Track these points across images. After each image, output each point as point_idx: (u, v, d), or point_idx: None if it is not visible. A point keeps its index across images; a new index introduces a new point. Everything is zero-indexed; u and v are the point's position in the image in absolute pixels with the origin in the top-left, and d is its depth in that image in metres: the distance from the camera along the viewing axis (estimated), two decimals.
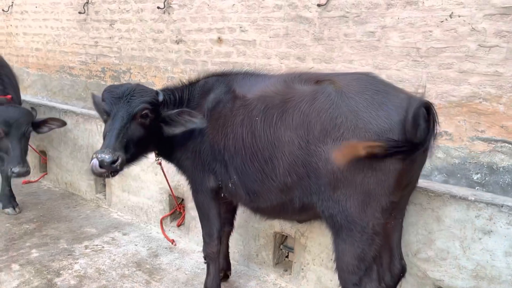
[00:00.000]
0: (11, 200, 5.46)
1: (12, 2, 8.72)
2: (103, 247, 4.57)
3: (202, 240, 3.42)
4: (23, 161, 4.51)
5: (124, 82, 6.74)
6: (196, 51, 5.77)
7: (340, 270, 2.65)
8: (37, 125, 4.87)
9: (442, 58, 3.83)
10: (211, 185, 3.31)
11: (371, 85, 2.58)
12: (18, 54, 8.86)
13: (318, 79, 2.78)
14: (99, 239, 4.74)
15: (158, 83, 6.30)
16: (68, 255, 4.37)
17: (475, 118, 3.71)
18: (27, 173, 4.50)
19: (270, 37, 5.03)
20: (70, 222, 5.17)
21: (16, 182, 6.38)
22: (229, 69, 3.73)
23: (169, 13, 6.03)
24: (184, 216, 4.74)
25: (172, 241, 4.70)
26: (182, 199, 4.80)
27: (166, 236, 4.78)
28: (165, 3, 5.99)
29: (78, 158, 5.85)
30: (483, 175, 3.70)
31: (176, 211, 4.83)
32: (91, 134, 5.67)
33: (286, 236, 4.08)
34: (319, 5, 4.51)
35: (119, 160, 3.03)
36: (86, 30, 7.28)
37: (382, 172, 2.41)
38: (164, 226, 4.89)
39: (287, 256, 4.18)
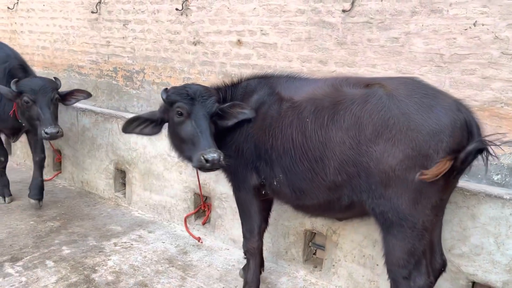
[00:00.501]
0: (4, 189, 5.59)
1: (18, 0, 8.67)
2: (131, 244, 4.66)
3: (228, 238, 3.58)
4: (54, 122, 4.69)
5: (138, 81, 6.82)
6: (214, 52, 5.89)
7: (390, 264, 2.83)
8: (64, 97, 5.05)
9: (465, 64, 4.05)
10: (254, 182, 3.46)
11: (418, 88, 2.76)
12: (23, 52, 8.79)
13: (367, 83, 2.95)
14: (126, 236, 4.83)
15: (173, 83, 6.39)
16: (99, 252, 4.46)
17: (497, 122, 3.94)
18: (59, 134, 4.70)
19: (291, 41, 5.19)
20: (93, 220, 5.23)
21: (30, 181, 6.39)
22: (270, 72, 3.88)
23: (186, 15, 6.13)
24: (209, 215, 4.86)
25: (199, 239, 4.83)
26: (206, 198, 4.92)
27: (191, 234, 4.90)
28: (183, 5, 6.09)
29: (97, 157, 5.91)
30: (503, 176, 3.93)
31: (200, 209, 4.95)
32: (111, 133, 5.73)
33: (315, 233, 4.25)
34: (343, 11, 4.68)
35: (222, 157, 3.28)
36: (98, 30, 7.31)
37: None
38: (188, 224, 5.00)
39: (314, 253, 4.35)
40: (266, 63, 5.43)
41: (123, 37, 6.96)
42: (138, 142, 5.43)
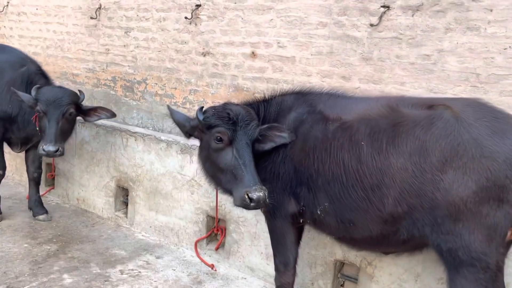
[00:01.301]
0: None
1: (8, 2, 8.20)
2: (139, 272, 4.26)
3: (245, 266, 3.27)
4: (55, 140, 4.35)
5: (139, 92, 6.45)
6: (225, 64, 5.59)
7: None
8: (86, 113, 4.71)
9: (503, 85, 3.85)
10: (291, 209, 3.15)
11: (487, 111, 2.53)
12: None
13: (428, 104, 2.69)
14: (132, 262, 4.42)
15: (178, 96, 6.05)
16: (105, 281, 4.04)
17: None
18: (57, 153, 4.37)
19: (311, 55, 4.93)
20: (93, 243, 4.80)
21: (19, 196, 5.92)
22: (306, 88, 3.59)
23: (196, 24, 5.82)
24: (222, 239, 4.49)
25: (212, 266, 4.45)
26: (219, 220, 4.56)
27: (203, 261, 4.52)
28: (193, 14, 5.78)
29: (96, 172, 5.49)
30: None
31: (212, 233, 4.59)
32: (113, 148, 5.34)
33: (343, 263, 3.94)
34: (371, 25, 4.45)
35: (267, 194, 3.00)
36: (96, 37, 6.91)
37: (510, 204, 2.34)
38: (198, 249, 4.62)
39: (342, 285, 4.04)
40: (282, 77, 5.16)
41: (124, 45, 6.58)
42: (145, 158, 5.04)
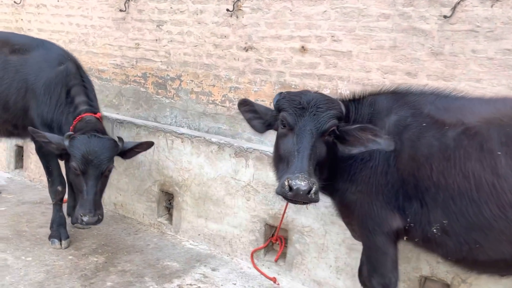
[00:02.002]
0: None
1: None
2: (199, 287, 3.94)
3: (310, 279, 2.99)
4: (95, 208, 3.86)
5: (172, 89, 6.11)
6: (271, 60, 5.23)
7: None
8: (125, 154, 4.27)
9: None
10: (395, 226, 2.81)
11: None
12: None
13: None
14: (188, 276, 4.10)
15: (217, 93, 5.70)
16: None
17: None
18: (97, 222, 3.89)
19: (371, 49, 4.58)
20: (141, 253, 4.48)
21: (48, 201, 5.58)
22: (403, 87, 3.22)
23: (237, 17, 5.45)
24: (282, 250, 4.16)
25: (274, 280, 4.14)
26: (274, 229, 4.24)
27: (264, 274, 4.20)
28: (234, 6, 5.41)
29: (136, 176, 5.15)
30: None
31: (270, 242, 4.27)
32: (157, 150, 5.00)
33: (425, 278, 3.63)
34: (444, 16, 4.09)
35: (314, 189, 2.56)
36: (125, 30, 6.53)
37: None
38: (255, 260, 4.31)
39: None
40: (336, 73, 4.81)
41: (156, 40, 6.21)
42: (193, 162, 4.70)
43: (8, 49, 4.69)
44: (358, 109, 3.05)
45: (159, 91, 6.28)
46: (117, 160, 5.31)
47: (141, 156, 5.09)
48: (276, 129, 3.09)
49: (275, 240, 4.17)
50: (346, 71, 4.75)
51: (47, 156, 4.49)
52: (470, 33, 4.02)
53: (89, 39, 6.97)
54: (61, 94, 4.43)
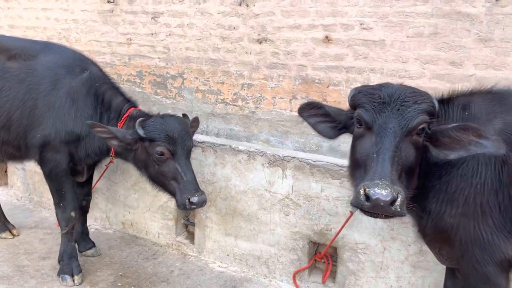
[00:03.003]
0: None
1: None
2: None
3: None
4: (199, 186, 3.50)
5: (174, 89, 5.51)
6: (289, 52, 4.72)
7: None
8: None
9: None
10: (510, 255, 2.38)
11: None
12: None
13: None
14: None
15: (226, 91, 5.15)
16: None
17: None
18: (205, 202, 3.47)
19: (407, 37, 4.14)
20: (168, 283, 3.91)
21: (47, 224, 4.94)
22: (502, 87, 2.75)
23: (247, 5, 4.89)
24: (329, 269, 3.70)
25: None
26: (318, 246, 3.77)
27: None
28: None
29: (148, 191, 4.56)
30: None
31: (314, 261, 3.80)
32: None
33: None
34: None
35: (399, 200, 2.10)
36: (114, 24, 5.84)
37: None
38: (298, 282, 3.82)
39: None
40: (367, 65, 4.35)
41: (152, 34, 5.56)
42: (217, 173, 4.15)
43: (4, 55, 3.94)
44: (448, 113, 2.59)
45: (158, 90, 5.66)
46: (124, 174, 4.70)
47: None
48: (352, 132, 2.58)
49: (320, 258, 3.71)
50: (379, 62, 4.30)
51: (60, 178, 3.82)
52: None
53: (72, 36, 6.23)
54: (94, 105, 3.80)
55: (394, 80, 4.23)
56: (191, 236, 4.47)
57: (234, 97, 5.12)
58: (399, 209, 2.13)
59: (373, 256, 3.36)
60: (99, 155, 3.92)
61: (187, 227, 4.55)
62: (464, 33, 3.88)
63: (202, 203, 3.39)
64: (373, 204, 2.10)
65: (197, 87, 5.37)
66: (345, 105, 4.47)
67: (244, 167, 3.90)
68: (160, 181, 3.57)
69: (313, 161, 3.55)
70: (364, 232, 3.38)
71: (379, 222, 3.32)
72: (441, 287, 3.28)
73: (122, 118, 3.77)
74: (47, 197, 5.31)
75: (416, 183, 2.47)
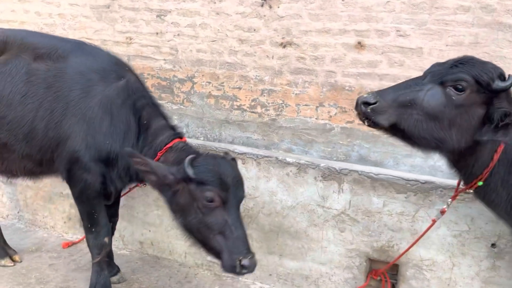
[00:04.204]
0: None
1: None
2: None
3: None
4: (250, 246, 2.91)
5: (181, 93, 5.13)
6: (317, 58, 4.51)
7: None
8: None
9: None
10: None
11: None
12: None
13: None
14: None
15: (244, 97, 4.85)
16: None
17: None
18: (256, 266, 2.88)
19: (447, 46, 4.09)
20: None
21: (50, 246, 4.37)
22: None
23: (270, 7, 4.61)
24: (389, 286, 3.55)
25: None
26: (371, 262, 3.58)
27: None
28: None
29: None
30: None
31: (371, 278, 3.62)
32: None
33: None
34: None
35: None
36: (110, 21, 5.30)
37: None
38: None
39: None
40: (403, 73, 4.25)
41: (157, 33, 5.11)
42: (260, 187, 3.82)
43: (30, 54, 3.32)
44: None
45: (163, 95, 5.22)
46: (143, 188, 4.25)
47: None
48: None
49: (377, 276, 3.55)
50: (415, 71, 4.20)
51: (92, 200, 3.28)
52: None
53: (57, 32, 5.58)
54: (129, 121, 3.26)
55: None
56: None
57: (253, 103, 4.83)
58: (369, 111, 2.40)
59: (440, 272, 3.27)
60: (134, 180, 3.43)
61: None
62: (505, 44, 3.89)
63: (253, 268, 2.84)
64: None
65: (210, 92, 5.00)
66: None
67: (292, 180, 3.64)
68: (201, 233, 2.94)
69: (375, 175, 3.38)
70: (431, 248, 3.27)
71: (448, 237, 3.22)
72: None
73: (163, 148, 3.23)
74: (42, 215, 4.69)
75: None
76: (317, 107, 4.58)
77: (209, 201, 2.83)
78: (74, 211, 4.61)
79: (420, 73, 4.23)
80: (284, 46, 4.62)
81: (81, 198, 3.28)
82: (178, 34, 5.02)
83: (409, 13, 4.15)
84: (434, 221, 2.87)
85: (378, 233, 3.39)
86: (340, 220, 3.49)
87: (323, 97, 4.55)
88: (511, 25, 3.86)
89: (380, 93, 2.49)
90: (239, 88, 4.86)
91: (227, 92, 4.92)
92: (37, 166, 3.39)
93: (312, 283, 3.68)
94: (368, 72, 4.36)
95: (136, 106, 3.28)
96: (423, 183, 3.25)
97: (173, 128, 3.41)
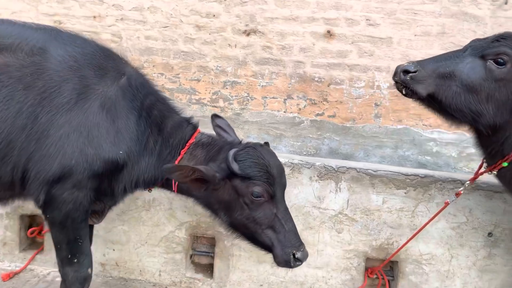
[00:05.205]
0: None
1: None
2: None
3: None
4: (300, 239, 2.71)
5: None
6: (284, 47, 4.26)
7: None
8: None
9: None
10: None
11: None
12: None
13: None
14: None
15: (203, 90, 4.43)
16: None
17: None
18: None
19: (415, 35, 4.11)
20: None
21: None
22: None
23: None
24: (387, 283, 3.45)
25: None
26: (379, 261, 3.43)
27: None
28: None
29: (144, 220, 3.52)
30: None
31: (368, 277, 3.49)
32: None
33: None
34: (506, 3, 3.89)
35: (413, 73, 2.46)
36: (33, 1, 4.43)
37: None
38: None
39: None
40: (373, 63, 4.20)
41: (95, 16, 4.40)
42: None
43: None
44: None
45: None
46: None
47: (154, 192, 3.53)
48: None
49: (373, 274, 3.45)
50: (385, 61, 4.18)
51: (78, 224, 2.58)
52: None
53: None
54: (140, 124, 2.62)
55: None
56: (202, 269, 3.70)
57: (214, 96, 4.42)
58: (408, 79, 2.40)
59: (439, 265, 3.29)
60: (136, 189, 2.87)
61: (191, 257, 3.76)
62: (470, 34, 4.01)
63: (306, 259, 2.72)
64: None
65: (163, 84, 4.45)
66: (347, 105, 4.31)
67: (287, 181, 3.36)
68: (250, 229, 2.72)
69: (374, 171, 3.25)
70: (430, 242, 3.27)
71: (447, 230, 3.24)
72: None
73: (186, 146, 2.79)
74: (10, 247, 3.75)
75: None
76: (285, 99, 4.34)
77: (257, 196, 2.61)
78: (11, 234, 3.80)
79: (389, 63, 4.24)
80: (248, 34, 4.27)
81: (65, 223, 2.62)
82: (122, 18, 4.36)
83: (378, 2, 4.07)
84: (447, 204, 2.86)
85: (377, 231, 3.31)
86: (337, 220, 3.33)
87: (292, 88, 4.32)
88: (475, 15, 3.98)
89: (421, 62, 2.48)
90: (198, 80, 4.40)
91: (184, 84, 4.43)
92: (5, 191, 2.63)
93: None
94: (338, 62, 4.22)
95: (145, 106, 2.71)
96: (423, 177, 3.22)
97: (188, 120, 2.92)
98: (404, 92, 2.46)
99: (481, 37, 3.82)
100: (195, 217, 3.51)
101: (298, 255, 2.65)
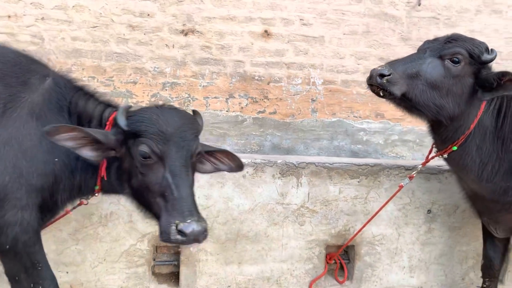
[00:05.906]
0: None
1: None
2: None
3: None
4: (196, 207, 2.26)
5: None
6: (224, 47, 4.28)
7: None
8: (199, 156, 2.49)
9: None
10: None
11: None
12: None
13: None
14: None
15: (141, 93, 4.25)
16: None
17: None
18: (205, 233, 2.23)
19: (344, 34, 4.44)
20: None
21: None
22: None
23: None
24: (344, 266, 3.67)
25: None
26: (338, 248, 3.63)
27: None
28: None
29: (101, 236, 3.23)
30: None
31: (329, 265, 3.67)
32: None
33: None
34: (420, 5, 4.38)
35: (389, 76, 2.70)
36: None
37: None
38: None
39: None
40: (308, 61, 4.44)
41: (9, 16, 3.93)
42: (214, 195, 3.31)
43: None
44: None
45: None
46: (55, 223, 3.31)
47: (109, 205, 3.26)
48: None
49: (331, 260, 3.65)
50: (318, 58, 4.44)
51: (33, 247, 2.20)
52: (433, 20, 4.49)
53: None
54: (71, 123, 2.32)
55: (333, 75, 4.49)
56: (165, 279, 3.56)
57: (153, 99, 4.26)
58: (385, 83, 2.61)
59: (389, 244, 3.62)
60: (80, 195, 2.57)
61: (152, 268, 3.58)
62: (390, 33, 4.46)
63: (198, 235, 2.18)
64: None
65: (95, 88, 4.11)
66: (287, 102, 4.48)
67: (249, 182, 3.36)
68: (144, 198, 2.37)
69: (331, 164, 3.44)
70: (381, 224, 3.58)
71: (395, 212, 3.59)
72: (444, 256, 3.87)
73: (106, 125, 2.49)
74: None
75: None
76: (227, 98, 4.36)
77: (144, 156, 2.29)
78: None
79: (323, 60, 4.50)
80: (186, 34, 4.18)
81: (16, 248, 2.29)
82: (43, 18, 3.95)
83: (310, 2, 4.29)
84: (401, 187, 3.17)
85: (335, 220, 3.53)
86: (299, 214, 3.48)
87: (233, 88, 4.35)
88: (394, 15, 4.42)
89: (392, 65, 2.70)
90: (134, 83, 4.19)
91: (119, 87, 4.18)
92: None
93: (274, 283, 3.58)
94: (276, 61, 4.36)
95: (73, 104, 2.47)
96: (372, 166, 3.52)
97: (110, 104, 2.64)
98: (381, 94, 2.66)
99: (399, 35, 4.29)
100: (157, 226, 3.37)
101: (181, 226, 2.17)
